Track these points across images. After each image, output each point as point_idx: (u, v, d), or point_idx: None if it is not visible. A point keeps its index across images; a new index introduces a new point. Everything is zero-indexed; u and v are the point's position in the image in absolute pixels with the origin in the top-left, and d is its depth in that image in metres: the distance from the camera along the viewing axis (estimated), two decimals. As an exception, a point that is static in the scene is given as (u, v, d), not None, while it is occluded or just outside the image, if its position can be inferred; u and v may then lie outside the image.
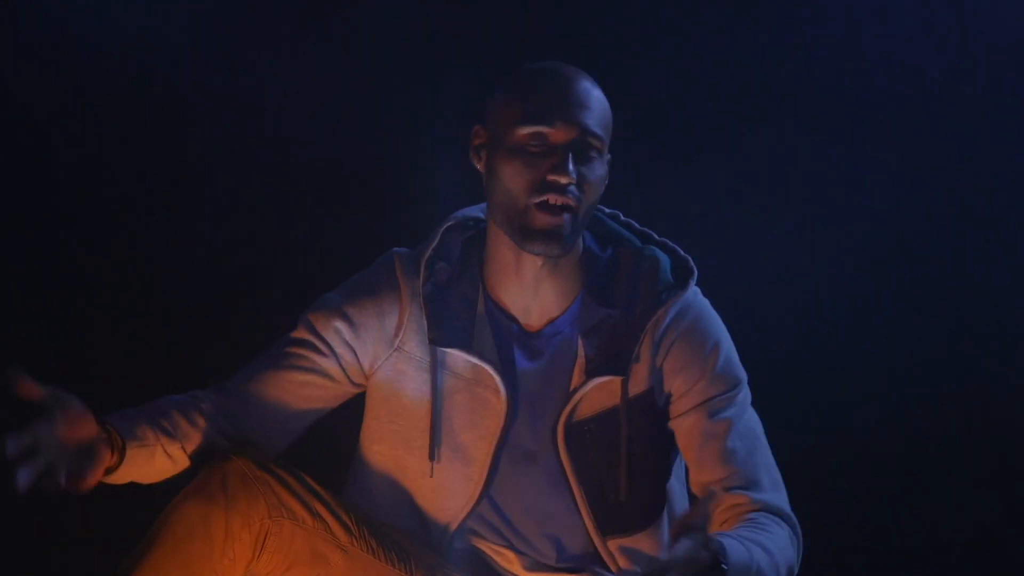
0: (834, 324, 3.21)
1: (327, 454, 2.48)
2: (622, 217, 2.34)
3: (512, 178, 2.13)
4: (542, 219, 2.12)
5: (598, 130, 2.14)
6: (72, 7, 3.07)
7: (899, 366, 3.21)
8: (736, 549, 1.97)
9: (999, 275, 3.18)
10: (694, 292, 2.27)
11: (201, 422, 2.18)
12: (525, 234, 2.14)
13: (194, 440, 2.17)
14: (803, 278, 3.17)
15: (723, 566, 1.91)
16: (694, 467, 2.22)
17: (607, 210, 2.34)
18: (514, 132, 2.13)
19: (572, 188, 2.11)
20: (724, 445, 2.18)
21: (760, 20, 3.17)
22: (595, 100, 2.16)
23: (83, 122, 3.13)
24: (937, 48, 3.15)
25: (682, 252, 2.29)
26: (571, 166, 2.10)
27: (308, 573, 2.18)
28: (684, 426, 2.22)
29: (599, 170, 2.16)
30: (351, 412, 2.35)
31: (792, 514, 2.18)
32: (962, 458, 3.18)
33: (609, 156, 2.22)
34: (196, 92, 3.15)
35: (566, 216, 2.12)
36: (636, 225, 2.33)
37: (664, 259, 2.26)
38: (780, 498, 2.19)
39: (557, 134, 2.12)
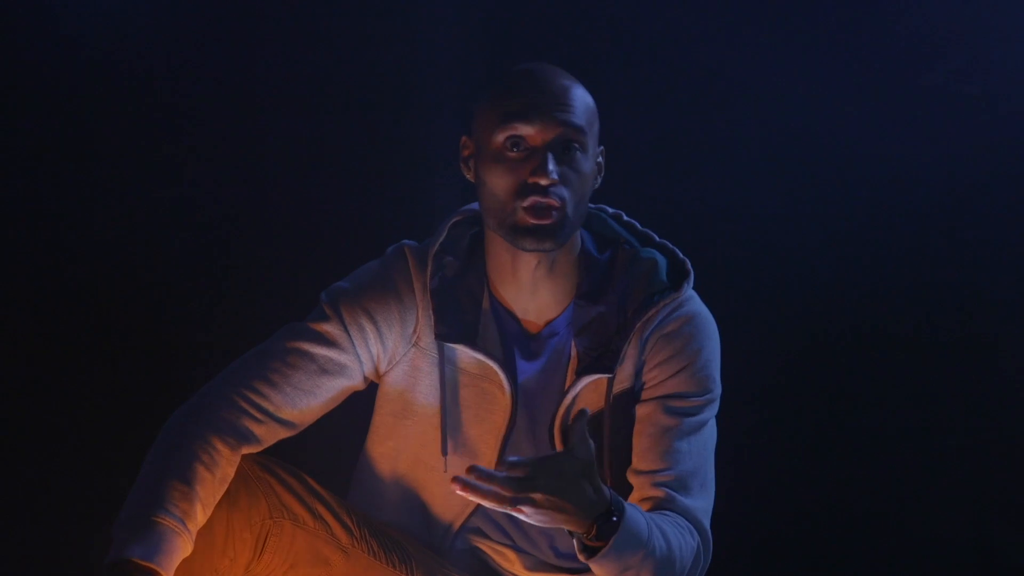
0: (832, 323, 3.21)
1: (328, 454, 2.48)
2: (625, 217, 2.33)
3: (497, 183, 2.14)
4: (530, 220, 2.12)
5: (578, 126, 2.14)
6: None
7: (899, 365, 3.20)
8: (636, 518, 2.00)
9: (1000, 273, 3.17)
10: (690, 296, 2.25)
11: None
12: (516, 233, 2.13)
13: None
14: (803, 278, 3.18)
15: (614, 518, 1.97)
16: (636, 454, 2.19)
17: (611, 210, 2.33)
18: (494, 138, 2.14)
19: (556, 188, 2.11)
20: (672, 443, 2.16)
21: (759, 18, 3.18)
22: (573, 97, 2.15)
23: (84, 120, 3.13)
24: (932, 50, 3.15)
25: (680, 254, 2.28)
26: (551, 166, 2.10)
27: (309, 574, 2.18)
28: (642, 412, 2.21)
29: (584, 166, 2.15)
30: (351, 413, 2.34)
31: (708, 531, 2.17)
32: (962, 458, 3.18)
33: (601, 148, 2.22)
34: (197, 91, 3.15)
35: (554, 213, 2.12)
36: (638, 226, 2.32)
37: (662, 261, 2.25)
38: (703, 511, 2.17)
39: (535, 136, 2.13)
